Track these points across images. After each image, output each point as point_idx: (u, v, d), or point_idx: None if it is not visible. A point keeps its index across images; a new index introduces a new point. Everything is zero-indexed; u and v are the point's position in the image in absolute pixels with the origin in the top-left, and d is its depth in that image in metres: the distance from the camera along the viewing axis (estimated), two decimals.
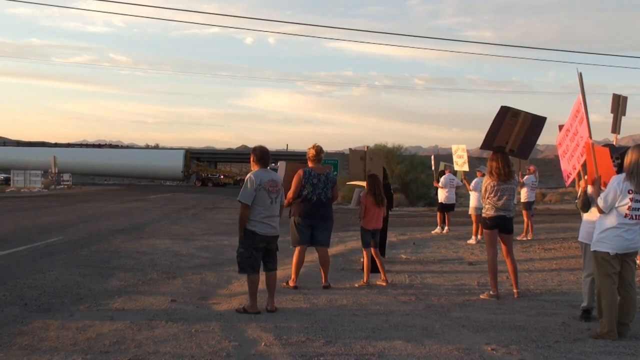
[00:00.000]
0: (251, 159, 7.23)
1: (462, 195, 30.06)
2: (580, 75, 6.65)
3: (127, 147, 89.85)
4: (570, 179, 7.24)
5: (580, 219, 6.95)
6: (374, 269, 9.03)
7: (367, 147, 9.91)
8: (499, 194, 7.92)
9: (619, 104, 9.68)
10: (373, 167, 9.83)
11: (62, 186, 48.48)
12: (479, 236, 13.80)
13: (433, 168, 19.16)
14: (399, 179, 34.94)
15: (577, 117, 6.98)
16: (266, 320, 6.63)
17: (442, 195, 16.97)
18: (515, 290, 8.02)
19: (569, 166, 7.18)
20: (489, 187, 7.98)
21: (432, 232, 16.47)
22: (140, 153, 68.53)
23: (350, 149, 10.43)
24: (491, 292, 7.94)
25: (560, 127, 11.26)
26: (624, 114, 9.80)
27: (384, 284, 8.80)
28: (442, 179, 17.14)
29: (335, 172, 16.48)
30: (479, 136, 9.47)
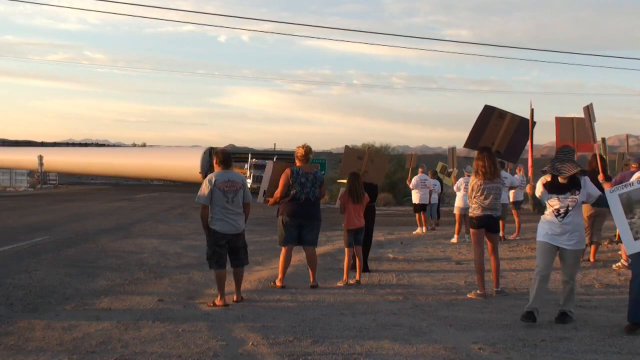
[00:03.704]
0: (214, 161, 7.69)
1: (448, 195, 30.15)
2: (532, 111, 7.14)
3: (114, 145, 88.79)
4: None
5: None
6: (362, 267, 9.09)
7: (369, 147, 9.86)
8: (485, 193, 7.94)
9: (589, 114, 9.80)
10: (373, 169, 9.75)
11: (48, 185, 48.18)
12: (465, 236, 13.87)
13: (408, 166, 19.11)
14: (386, 178, 34.98)
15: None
16: (254, 319, 6.62)
17: (415, 196, 17.08)
18: (494, 289, 8.07)
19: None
20: (476, 186, 8.01)
21: (413, 232, 16.52)
22: (156, 151, 65.77)
23: (346, 146, 10.38)
24: (478, 292, 7.97)
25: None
26: (595, 120, 9.96)
27: (352, 281, 8.85)
28: (413, 180, 17.23)
29: (323, 172, 16.51)
30: (466, 136, 9.49)
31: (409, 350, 5.48)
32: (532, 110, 7.60)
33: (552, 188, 6.54)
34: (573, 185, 6.48)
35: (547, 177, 6.62)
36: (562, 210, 6.45)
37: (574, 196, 6.45)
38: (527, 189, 7.04)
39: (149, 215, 21.68)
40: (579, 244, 6.56)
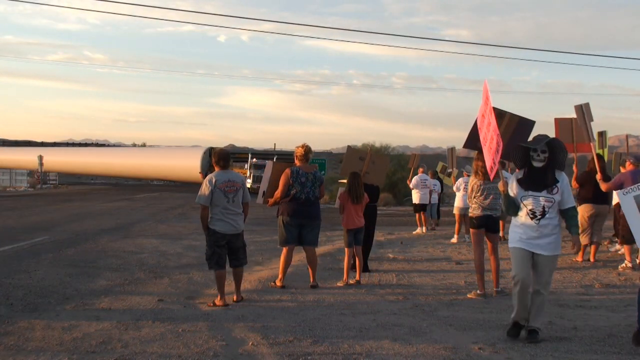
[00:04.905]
0: (213, 161, 7.70)
1: (448, 195, 30.18)
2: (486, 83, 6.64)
3: (114, 145, 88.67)
4: (493, 173, 6.78)
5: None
6: (362, 267, 9.09)
7: (371, 147, 9.90)
8: (485, 193, 7.95)
9: (583, 113, 9.76)
10: (374, 170, 9.73)
11: (48, 185, 48.19)
12: (465, 236, 13.89)
13: (410, 166, 19.40)
14: (386, 179, 34.99)
15: (487, 104, 6.47)
16: (254, 319, 6.63)
17: (415, 196, 17.11)
18: (494, 289, 8.07)
19: (489, 158, 6.49)
20: (475, 186, 8.02)
21: (413, 232, 16.53)
22: (156, 151, 65.53)
23: (348, 146, 10.40)
24: (478, 292, 7.98)
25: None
26: (592, 120, 9.91)
27: (352, 281, 8.87)
28: (413, 180, 17.28)
29: (323, 172, 16.54)
30: (465, 136, 9.42)
31: (408, 351, 5.48)
32: (486, 90, 7.02)
33: (527, 184, 5.87)
34: (550, 180, 5.83)
35: (521, 174, 5.98)
36: (538, 212, 5.79)
37: (551, 195, 5.80)
38: (500, 186, 6.04)
39: (149, 215, 21.69)
40: (556, 249, 5.84)
